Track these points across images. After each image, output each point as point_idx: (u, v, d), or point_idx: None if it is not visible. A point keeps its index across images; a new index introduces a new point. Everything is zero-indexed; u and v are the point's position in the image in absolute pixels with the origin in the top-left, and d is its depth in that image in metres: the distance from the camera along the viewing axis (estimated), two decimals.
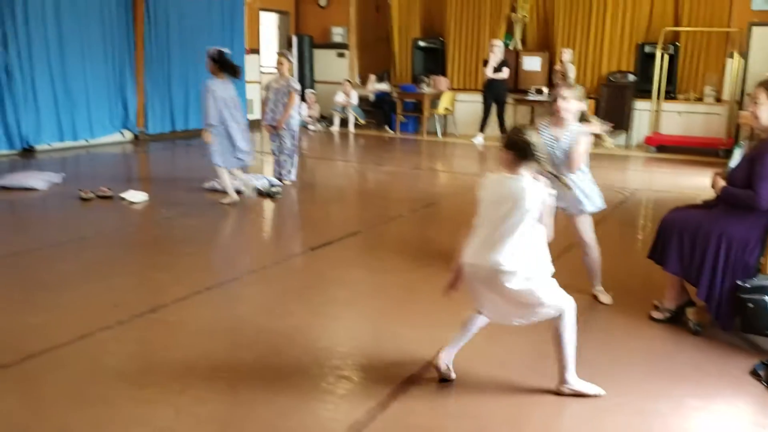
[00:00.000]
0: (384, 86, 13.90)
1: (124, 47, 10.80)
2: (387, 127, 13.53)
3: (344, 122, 13.51)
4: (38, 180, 7.37)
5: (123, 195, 6.93)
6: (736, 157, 4.11)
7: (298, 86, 7.78)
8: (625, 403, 3.16)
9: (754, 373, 3.47)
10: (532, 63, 12.79)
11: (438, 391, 3.24)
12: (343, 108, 13.48)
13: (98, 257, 5.20)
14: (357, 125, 13.48)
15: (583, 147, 4.15)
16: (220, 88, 6.66)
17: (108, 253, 5.33)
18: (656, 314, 4.15)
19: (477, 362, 3.55)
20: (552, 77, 12.45)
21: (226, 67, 6.69)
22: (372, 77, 14.01)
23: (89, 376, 3.27)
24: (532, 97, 12.44)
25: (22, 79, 9.28)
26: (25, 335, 3.71)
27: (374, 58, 14.62)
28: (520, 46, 13.17)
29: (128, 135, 11.13)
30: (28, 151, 9.50)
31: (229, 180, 6.92)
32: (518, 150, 3.10)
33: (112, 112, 10.80)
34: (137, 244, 5.71)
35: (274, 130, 7.78)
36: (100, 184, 7.19)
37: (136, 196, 6.93)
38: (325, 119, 13.90)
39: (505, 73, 11.96)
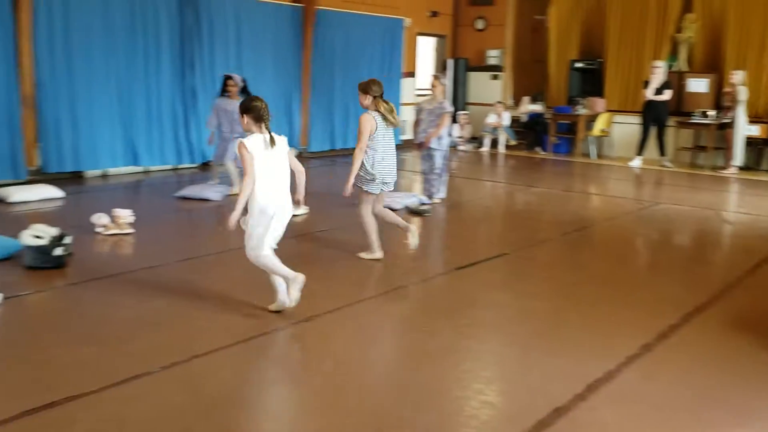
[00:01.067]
0: (537, 107, 13.73)
1: (293, 71, 11.53)
2: (539, 149, 13.34)
3: (495, 143, 13.49)
4: (213, 192, 8.02)
5: None
6: None
7: (451, 108, 7.92)
8: None
9: None
10: (698, 85, 12.12)
11: (586, 425, 3.15)
12: (495, 129, 13.46)
13: (254, 267, 5.54)
14: (508, 146, 13.40)
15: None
16: (231, 105, 7.75)
17: None
18: None
19: (623, 406, 3.42)
20: (720, 100, 11.73)
21: (245, 92, 7.88)
22: (525, 99, 13.89)
23: (245, 378, 3.50)
24: (697, 119, 11.77)
25: (204, 99, 10.14)
26: (192, 336, 4.05)
27: (529, 79, 14.50)
28: (685, 68, 12.53)
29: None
30: (206, 165, 10.33)
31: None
32: (254, 113, 4.25)
33: (279, 130, 11.46)
34: (295, 255, 6.01)
35: (422, 148, 7.99)
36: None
37: (297, 210, 7.31)
38: (476, 140, 13.94)
39: (666, 95, 11.42)
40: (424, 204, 7.75)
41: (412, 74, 14.08)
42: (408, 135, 13.31)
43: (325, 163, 11.62)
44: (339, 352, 3.87)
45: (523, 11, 14.47)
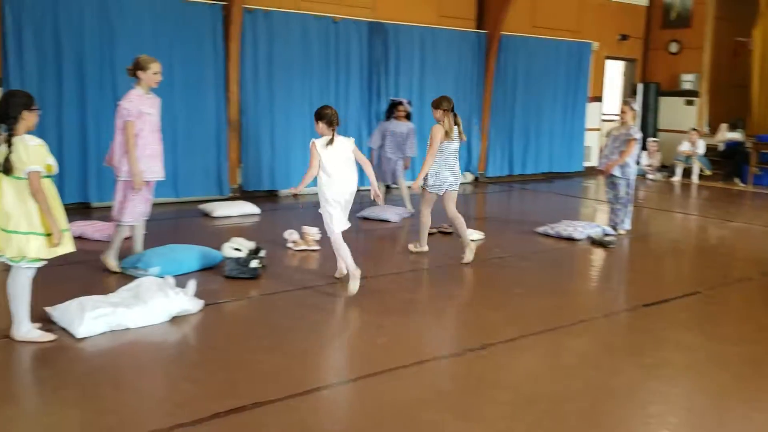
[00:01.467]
0: (736, 135, 12.73)
1: (473, 97, 11.64)
2: (737, 180, 12.34)
3: (687, 172, 12.67)
4: (393, 213, 8.29)
5: None
6: None
7: (638, 135, 7.57)
8: None
9: None
10: None
11: None
12: (687, 158, 12.66)
13: (434, 289, 5.63)
14: (701, 176, 12.54)
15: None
16: (400, 127, 8.61)
17: (444, 286, 5.74)
18: None
19: None
20: None
21: (409, 116, 8.80)
22: (723, 126, 12.95)
23: (421, 400, 3.55)
24: None
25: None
26: (372, 352, 4.18)
27: (726, 105, 13.51)
28: None
29: (469, 177, 11.87)
30: (387, 188, 10.67)
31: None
32: (327, 119, 5.09)
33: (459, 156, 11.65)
34: (472, 281, 6.04)
35: (603, 175, 7.73)
36: (443, 221, 7.76)
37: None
38: (667, 169, 13.19)
39: None
40: (608, 235, 7.45)
41: (599, 99, 13.65)
42: (590, 162, 12.94)
43: (503, 188, 11.55)
44: (514, 383, 3.82)
45: (722, 33, 13.56)
